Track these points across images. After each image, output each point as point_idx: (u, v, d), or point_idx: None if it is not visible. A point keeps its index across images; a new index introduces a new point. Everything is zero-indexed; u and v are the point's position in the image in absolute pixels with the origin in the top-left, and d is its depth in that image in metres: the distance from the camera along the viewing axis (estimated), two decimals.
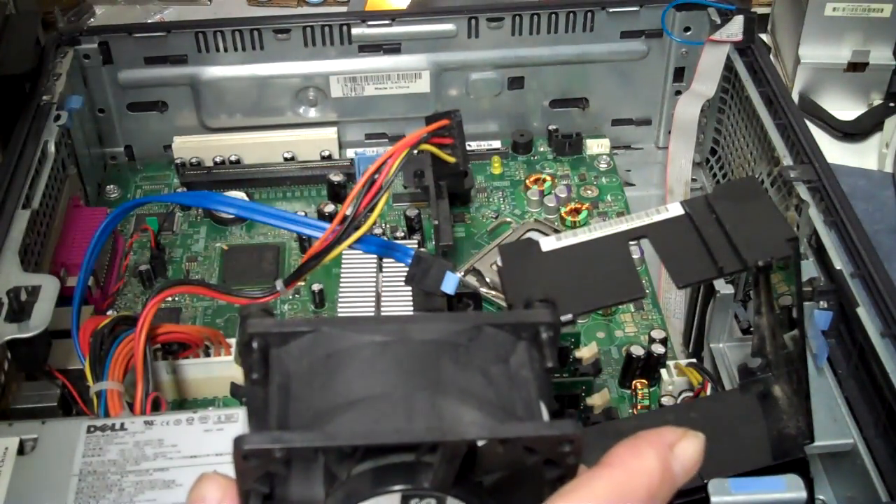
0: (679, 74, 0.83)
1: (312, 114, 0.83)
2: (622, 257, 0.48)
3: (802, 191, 0.63)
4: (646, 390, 0.62)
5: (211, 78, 0.80)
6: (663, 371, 0.62)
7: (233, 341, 0.61)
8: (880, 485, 0.52)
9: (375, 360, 0.32)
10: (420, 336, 0.33)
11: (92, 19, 1.11)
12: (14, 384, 0.57)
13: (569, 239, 0.49)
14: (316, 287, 0.70)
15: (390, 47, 0.80)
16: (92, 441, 0.49)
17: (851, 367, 0.56)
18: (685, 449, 0.32)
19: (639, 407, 0.62)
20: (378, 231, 0.76)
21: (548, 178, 0.80)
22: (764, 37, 1.02)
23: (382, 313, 0.60)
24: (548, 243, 0.49)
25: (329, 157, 0.82)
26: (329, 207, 0.75)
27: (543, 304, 0.34)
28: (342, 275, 0.63)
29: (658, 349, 0.63)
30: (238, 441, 0.28)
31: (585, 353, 0.60)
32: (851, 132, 0.93)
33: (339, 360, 0.32)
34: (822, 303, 0.57)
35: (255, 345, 0.32)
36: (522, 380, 0.33)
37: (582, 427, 0.29)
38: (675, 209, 0.50)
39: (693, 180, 0.80)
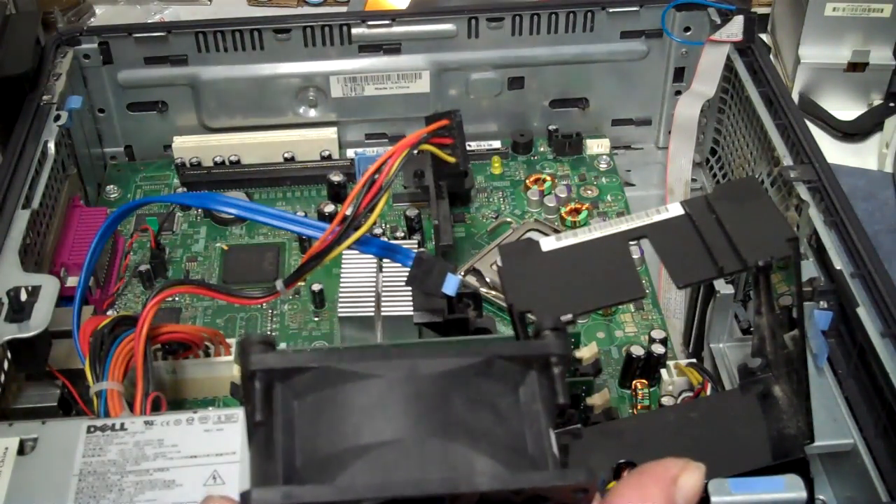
0: (679, 74, 0.83)
1: (312, 114, 0.83)
2: (622, 257, 0.48)
3: (802, 191, 0.63)
4: (646, 390, 0.62)
5: (211, 78, 0.80)
6: (663, 371, 0.62)
7: (233, 341, 0.61)
8: (880, 485, 0.52)
9: (384, 399, 0.32)
10: (428, 371, 0.32)
11: (92, 19, 1.11)
12: (14, 384, 0.57)
13: (569, 239, 0.49)
14: (316, 287, 0.70)
15: (390, 47, 0.80)
16: (92, 441, 0.49)
17: (851, 367, 0.56)
18: (687, 481, 0.33)
19: (639, 407, 0.62)
20: (378, 231, 0.76)
21: (548, 178, 0.80)
22: (764, 37, 1.02)
23: (382, 314, 0.60)
24: (548, 243, 0.49)
25: (329, 158, 0.82)
26: (329, 208, 0.75)
27: (554, 333, 0.34)
28: (342, 275, 0.63)
29: (658, 349, 0.63)
30: (245, 497, 0.28)
31: (585, 353, 0.60)
32: (851, 132, 0.93)
33: (346, 398, 0.32)
34: (822, 303, 0.57)
35: (257, 383, 0.32)
36: (533, 413, 0.33)
37: (595, 473, 0.30)
38: (675, 209, 0.50)
39: (693, 180, 0.80)
